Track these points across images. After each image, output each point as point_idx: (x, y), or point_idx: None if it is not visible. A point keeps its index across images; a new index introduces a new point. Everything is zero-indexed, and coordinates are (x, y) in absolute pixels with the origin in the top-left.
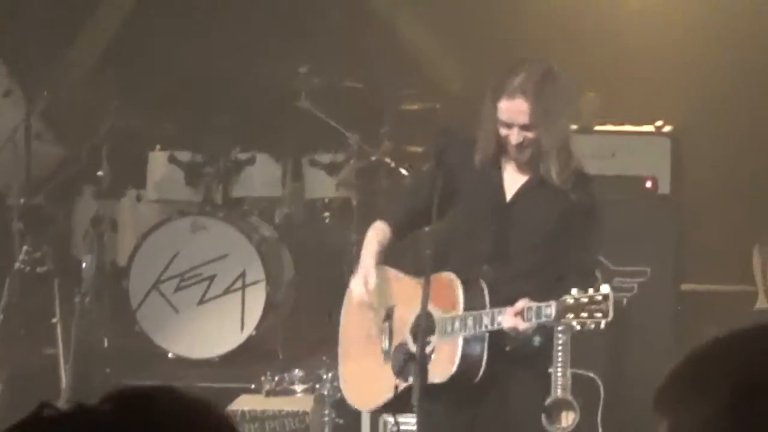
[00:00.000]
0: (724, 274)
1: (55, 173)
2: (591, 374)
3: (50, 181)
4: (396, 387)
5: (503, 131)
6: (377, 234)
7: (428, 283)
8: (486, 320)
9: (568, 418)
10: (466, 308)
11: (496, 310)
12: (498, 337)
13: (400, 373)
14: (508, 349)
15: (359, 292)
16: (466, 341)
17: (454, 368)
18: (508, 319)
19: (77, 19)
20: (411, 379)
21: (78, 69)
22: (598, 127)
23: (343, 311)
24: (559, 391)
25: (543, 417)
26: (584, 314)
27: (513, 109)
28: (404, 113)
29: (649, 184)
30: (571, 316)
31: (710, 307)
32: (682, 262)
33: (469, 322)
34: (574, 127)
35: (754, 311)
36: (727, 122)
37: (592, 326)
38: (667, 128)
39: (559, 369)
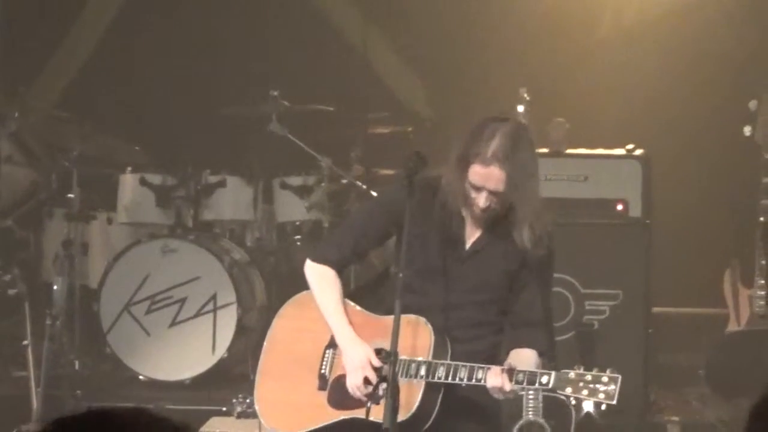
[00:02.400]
0: (696, 297)
1: (25, 196)
2: (563, 397)
3: (21, 204)
4: (368, 411)
5: (471, 193)
6: (330, 291)
7: (399, 307)
8: (462, 373)
9: None
10: (434, 357)
11: (476, 366)
12: (456, 387)
13: (371, 399)
14: (464, 384)
15: (359, 388)
16: (426, 390)
17: (410, 413)
18: (494, 378)
19: (49, 41)
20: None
21: (49, 91)
22: (569, 151)
23: (272, 329)
24: (531, 414)
25: None
26: (585, 392)
27: (487, 175)
28: (375, 136)
29: (620, 208)
30: (569, 390)
31: (682, 329)
32: (653, 285)
33: (440, 371)
34: (544, 150)
35: (725, 334)
36: (698, 145)
37: (590, 407)
38: (638, 152)
39: (531, 392)
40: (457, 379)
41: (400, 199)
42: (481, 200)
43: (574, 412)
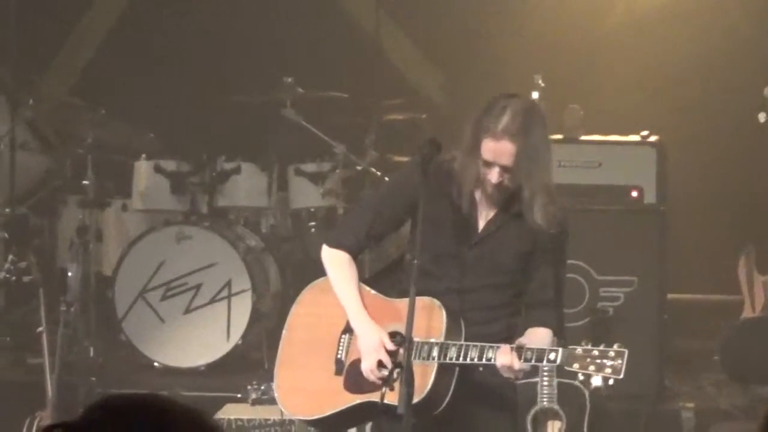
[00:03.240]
0: (710, 283)
1: (40, 183)
2: (577, 383)
3: (35, 191)
4: (382, 396)
5: (484, 170)
6: (346, 276)
7: (414, 294)
8: (474, 353)
9: (554, 427)
10: (447, 338)
11: (486, 345)
12: (470, 371)
13: (385, 383)
14: (481, 369)
15: (373, 372)
16: (439, 372)
17: (423, 394)
18: (503, 356)
19: (63, 29)
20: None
21: (63, 79)
22: (584, 137)
23: (290, 316)
24: (546, 401)
25: (529, 426)
26: (592, 367)
27: (498, 149)
28: (389, 123)
29: (635, 194)
30: (576, 366)
31: (696, 316)
32: (668, 272)
33: (452, 351)
34: (559, 137)
35: (739, 321)
36: (713, 132)
37: (598, 382)
38: (652, 138)
39: (545, 379)
40: (468, 359)
41: (413, 182)
42: (494, 176)
43: (588, 399)
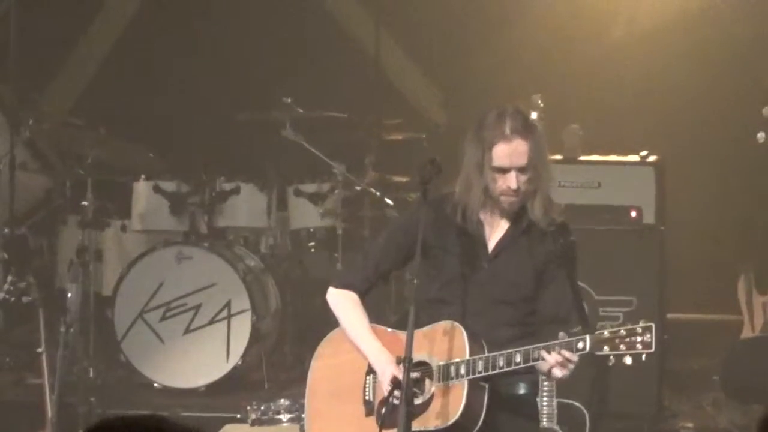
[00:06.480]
0: (710, 303)
1: (39, 203)
2: (577, 403)
3: (35, 211)
4: (377, 416)
5: (499, 180)
6: (356, 315)
7: (414, 315)
8: (501, 362)
9: None
10: (471, 355)
11: (513, 351)
12: (495, 386)
13: (387, 420)
14: (512, 368)
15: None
16: (470, 389)
17: (457, 415)
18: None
19: (63, 48)
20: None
21: (63, 97)
22: (583, 157)
23: (311, 372)
24: (545, 420)
25: None
26: (623, 347)
27: (513, 151)
28: (389, 143)
29: (634, 214)
30: (607, 349)
31: (696, 336)
32: (667, 292)
33: (479, 365)
34: (558, 157)
35: (739, 340)
36: (712, 151)
37: (629, 360)
38: (651, 158)
39: (545, 398)
40: (497, 368)
41: (417, 217)
42: (512, 181)
43: (588, 419)
